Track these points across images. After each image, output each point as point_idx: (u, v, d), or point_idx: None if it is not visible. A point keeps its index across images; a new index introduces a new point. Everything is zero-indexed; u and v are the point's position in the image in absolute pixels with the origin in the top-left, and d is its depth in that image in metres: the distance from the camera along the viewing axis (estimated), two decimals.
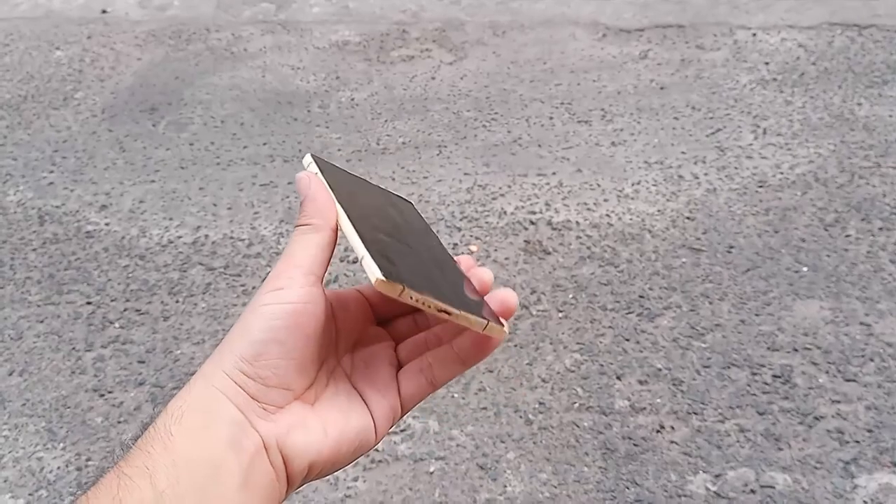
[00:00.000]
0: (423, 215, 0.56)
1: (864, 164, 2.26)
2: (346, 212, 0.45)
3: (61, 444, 1.62)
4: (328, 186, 0.47)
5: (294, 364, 0.42)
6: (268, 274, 0.45)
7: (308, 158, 0.50)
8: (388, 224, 0.49)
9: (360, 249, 0.42)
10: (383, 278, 0.40)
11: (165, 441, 0.39)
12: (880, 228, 2.04)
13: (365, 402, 0.46)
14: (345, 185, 0.50)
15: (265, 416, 0.41)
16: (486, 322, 0.43)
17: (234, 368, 0.41)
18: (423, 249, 0.48)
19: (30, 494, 1.53)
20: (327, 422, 0.43)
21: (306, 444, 0.42)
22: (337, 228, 0.45)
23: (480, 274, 0.48)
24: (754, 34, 2.94)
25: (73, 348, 1.83)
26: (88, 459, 1.59)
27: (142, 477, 0.37)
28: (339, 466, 0.44)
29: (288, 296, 0.42)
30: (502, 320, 0.45)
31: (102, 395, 1.71)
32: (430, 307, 0.42)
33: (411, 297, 0.41)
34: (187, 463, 0.38)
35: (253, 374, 0.41)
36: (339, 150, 2.46)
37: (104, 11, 3.36)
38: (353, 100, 2.71)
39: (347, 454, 0.44)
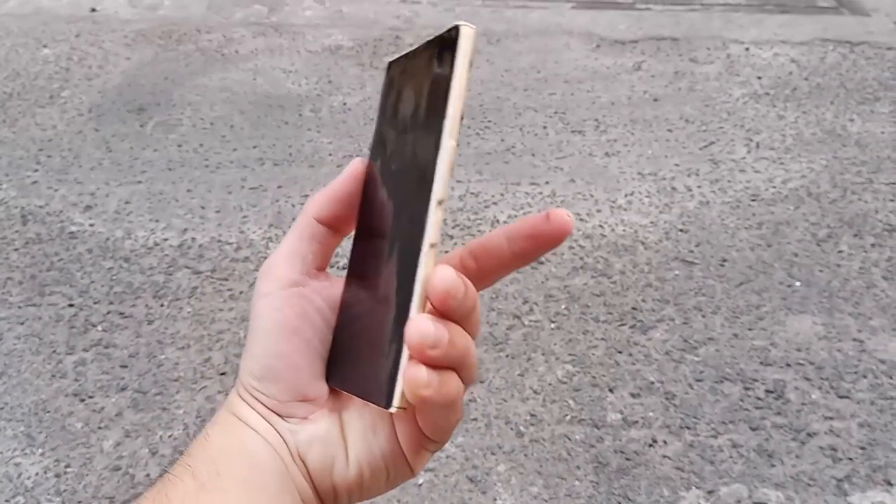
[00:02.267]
0: (455, 61, 0.34)
1: (856, 179, 2.26)
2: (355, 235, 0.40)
3: (40, 450, 1.58)
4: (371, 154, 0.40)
5: (304, 373, 0.39)
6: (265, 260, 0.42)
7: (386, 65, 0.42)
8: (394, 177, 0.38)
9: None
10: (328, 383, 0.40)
11: (203, 442, 0.39)
12: (872, 245, 2.03)
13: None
14: (384, 138, 0.40)
15: (290, 426, 0.39)
16: (377, 405, 0.35)
17: (249, 385, 0.39)
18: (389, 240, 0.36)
19: (6, 501, 1.48)
20: (350, 438, 0.39)
21: (323, 462, 0.39)
22: (325, 223, 0.40)
23: (432, 280, 0.33)
24: (747, 48, 2.94)
25: (54, 351, 1.78)
26: (67, 466, 1.54)
27: (185, 473, 0.37)
28: (370, 494, 0.39)
29: (274, 302, 0.39)
30: (399, 390, 0.33)
31: (83, 400, 1.67)
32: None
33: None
34: (224, 458, 0.38)
35: (264, 390, 0.39)
36: (329, 154, 2.43)
37: (93, 10, 3.31)
38: (345, 104, 2.68)
39: (375, 481, 0.39)
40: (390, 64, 0.41)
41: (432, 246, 0.33)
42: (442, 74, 0.34)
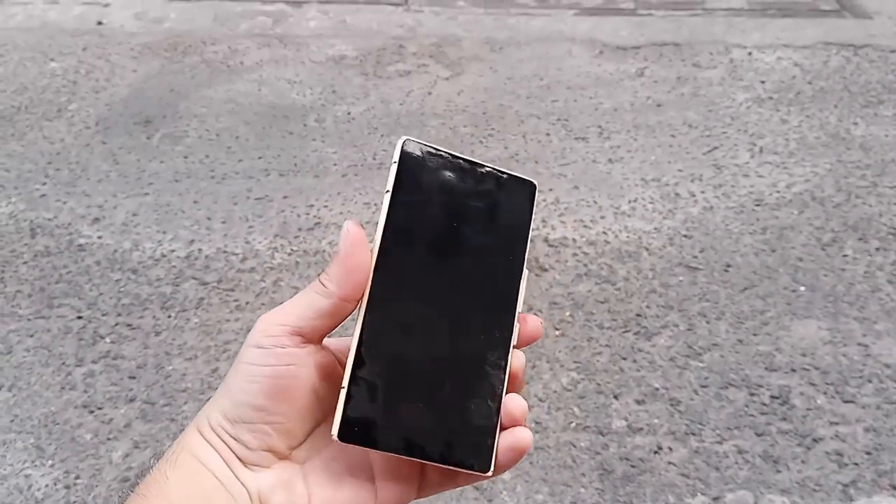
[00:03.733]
0: (532, 210, 0.47)
1: (860, 183, 2.26)
2: (371, 295, 0.40)
3: (50, 462, 1.59)
4: (385, 223, 0.41)
5: (278, 428, 0.39)
6: (258, 317, 0.43)
7: (398, 147, 0.43)
8: (428, 292, 0.42)
9: (345, 381, 0.39)
10: (336, 438, 0.38)
11: (161, 484, 0.38)
12: (877, 249, 2.03)
13: (373, 476, 0.41)
14: (416, 214, 0.42)
15: (253, 473, 0.39)
16: (466, 470, 0.41)
17: (218, 425, 0.39)
18: (447, 341, 0.42)
19: None
20: (314, 489, 0.40)
21: None
22: (349, 302, 0.41)
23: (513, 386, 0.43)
24: (750, 53, 2.95)
25: (63, 363, 1.80)
26: (77, 477, 1.56)
27: None
28: None
29: (267, 357, 0.40)
30: (496, 456, 0.41)
31: (92, 412, 1.69)
32: (401, 457, 0.40)
33: (377, 452, 0.40)
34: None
35: (234, 434, 0.39)
36: (334, 164, 2.44)
37: (100, 23, 3.35)
38: (349, 114, 2.70)
39: None
40: (409, 143, 0.44)
41: (514, 346, 0.44)
42: (518, 213, 0.46)
